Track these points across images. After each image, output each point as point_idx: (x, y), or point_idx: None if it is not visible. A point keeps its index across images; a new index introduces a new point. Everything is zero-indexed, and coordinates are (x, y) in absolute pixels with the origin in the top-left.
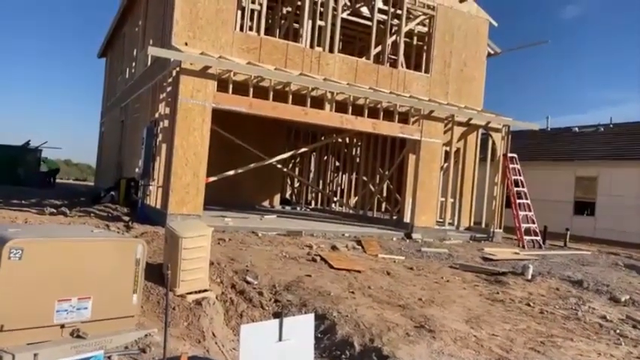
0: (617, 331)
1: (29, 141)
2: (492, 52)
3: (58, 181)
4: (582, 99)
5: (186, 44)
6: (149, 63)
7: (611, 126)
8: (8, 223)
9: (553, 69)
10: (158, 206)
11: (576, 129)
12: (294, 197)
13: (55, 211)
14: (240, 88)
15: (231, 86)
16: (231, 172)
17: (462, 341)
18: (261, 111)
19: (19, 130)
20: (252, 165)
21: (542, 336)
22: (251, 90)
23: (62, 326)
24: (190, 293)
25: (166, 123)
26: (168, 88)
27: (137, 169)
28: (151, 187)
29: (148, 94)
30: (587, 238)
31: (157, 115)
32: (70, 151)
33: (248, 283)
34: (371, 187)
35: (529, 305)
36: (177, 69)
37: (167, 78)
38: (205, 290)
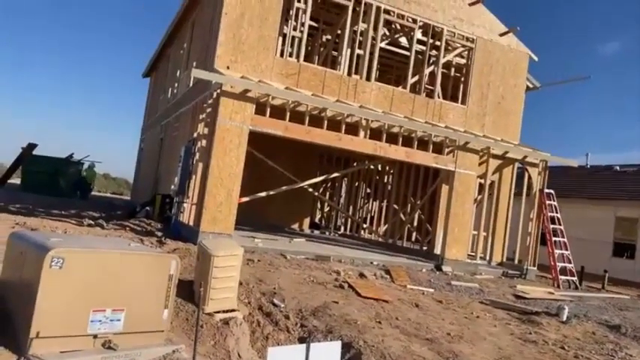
0: None
1: (72, 154)
2: (532, 86)
3: (96, 194)
4: (623, 137)
5: (228, 68)
6: (191, 84)
7: None
8: (49, 232)
9: (593, 106)
10: (191, 223)
11: (617, 167)
12: (323, 222)
13: (92, 222)
14: (277, 112)
15: (268, 110)
16: (263, 194)
17: None
18: (296, 135)
19: (66, 144)
20: (284, 187)
21: None
22: (287, 114)
23: (95, 336)
24: (218, 312)
25: (204, 143)
26: (208, 109)
27: (173, 186)
28: (185, 204)
29: (188, 114)
30: (627, 281)
31: (195, 135)
32: (109, 166)
33: (275, 305)
34: (401, 215)
35: (563, 348)
36: (218, 91)
37: (207, 99)
38: (233, 310)
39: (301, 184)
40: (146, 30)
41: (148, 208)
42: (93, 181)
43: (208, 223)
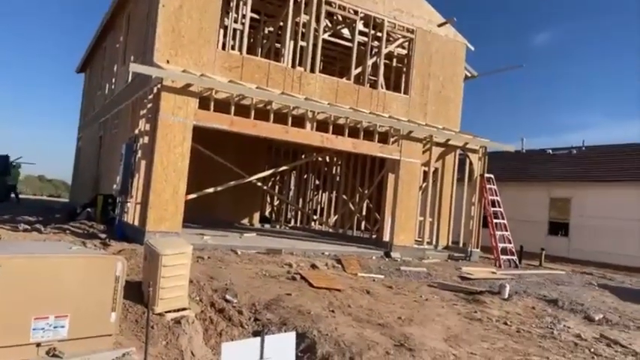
0: (592, 349)
1: (6, 155)
2: (469, 74)
3: (30, 197)
4: (555, 122)
5: (168, 62)
6: (130, 79)
7: (584, 148)
8: None
9: (527, 93)
10: (136, 223)
11: (550, 151)
12: (273, 215)
13: (29, 227)
14: (222, 106)
15: (212, 104)
16: (211, 190)
17: (442, 359)
18: (243, 129)
19: None
20: (232, 183)
21: (519, 354)
22: (232, 108)
23: (38, 345)
24: (169, 312)
25: (146, 139)
26: (149, 105)
27: (115, 185)
28: (128, 203)
29: (128, 111)
30: (562, 258)
31: (136, 132)
32: (44, 167)
33: (227, 301)
34: (351, 205)
35: (506, 324)
36: (159, 86)
37: (148, 95)
38: (184, 309)
39: (249, 179)
40: (79, 21)
41: (89, 209)
42: (16, 182)
43: (154, 222)
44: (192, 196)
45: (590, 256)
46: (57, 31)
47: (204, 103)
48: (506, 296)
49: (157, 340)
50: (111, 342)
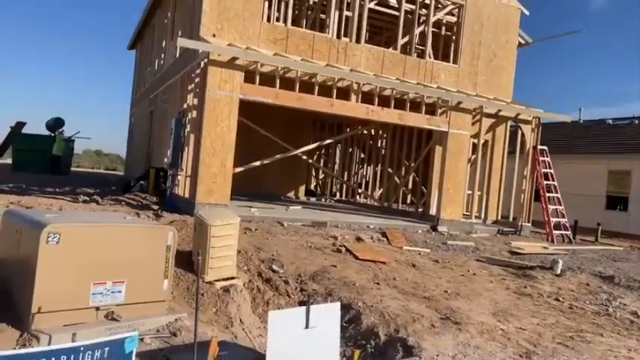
0: None
1: (62, 130)
2: (523, 42)
3: (91, 170)
4: (615, 91)
5: (214, 35)
6: (177, 54)
7: None
8: (44, 209)
9: (585, 60)
10: (186, 195)
11: (610, 121)
12: (319, 188)
13: (87, 199)
14: (267, 79)
15: (258, 77)
16: (257, 163)
17: (489, 334)
18: (288, 102)
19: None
20: (277, 156)
21: (571, 331)
22: (277, 81)
23: (97, 309)
24: (218, 280)
25: (194, 114)
26: (197, 79)
27: (166, 159)
28: (179, 176)
29: (177, 85)
30: (620, 233)
31: (185, 106)
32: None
33: (274, 271)
34: (396, 179)
35: (558, 300)
36: (205, 60)
37: (195, 69)
38: (233, 278)
39: (295, 152)
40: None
41: (142, 182)
42: (61, 154)
43: (204, 194)
44: (240, 169)
45: None
46: (112, 9)
47: (249, 76)
48: (559, 272)
49: (207, 307)
50: (164, 307)
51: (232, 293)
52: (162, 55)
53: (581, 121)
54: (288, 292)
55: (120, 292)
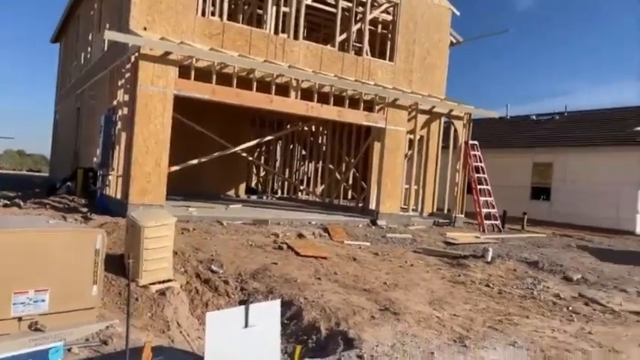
0: (570, 308)
1: None
2: (455, 41)
3: (12, 172)
4: (540, 89)
5: (145, 29)
6: (106, 48)
7: (566, 114)
8: None
9: (513, 60)
10: (118, 196)
11: (534, 117)
12: (259, 186)
13: (8, 202)
14: (203, 75)
15: (193, 73)
16: (195, 161)
17: (425, 322)
18: (225, 98)
19: None
20: (216, 154)
21: (500, 315)
22: (214, 77)
23: (20, 319)
24: (154, 284)
25: (125, 110)
26: (127, 75)
27: (95, 159)
28: (110, 176)
29: (105, 81)
30: (544, 221)
31: (115, 103)
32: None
33: (213, 272)
34: (337, 175)
35: (488, 286)
36: (136, 54)
37: (125, 64)
38: (169, 280)
39: (234, 149)
40: None
41: (69, 183)
42: None
43: (137, 195)
44: (176, 168)
45: (570, 219)
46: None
47: (184, 72)
48: (489, 260)
49: (142, 312)
50: (94, 315)
51: (169, 296)
52: (89, 49)
53: (509, 117)
54: (228, 292)
55: (43, 300)
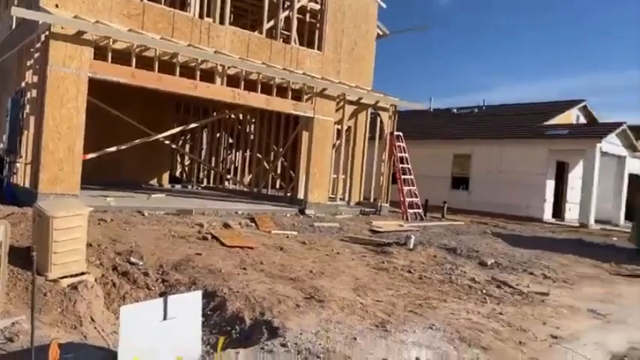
0: (484, 291)
1: None
2: (381, 33)
3: None
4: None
5: (57, 6)
6: (14, 25)
7: (484, 108)
8: None
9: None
10: (27, 185)
11: (455, 110)
12: (184, 175)
13: None
14: (122, 58)
15: (110, 54)
16: (113, 149)
17: (349, 308)
18: (146, 82)
19: None
20: (137, 141)
21: (420, 299)
22: (134, 59)
23: None
24: (65, 277)
25: (34, 93)
26: (37, 55)
27: (1, 144)
28: (18, 164)
29: (13, 61)
30: (463, 210)
31: (23, 85)
32: None
33: (132, 264)
34: (265, 164)
35: (410, 272)
36: (47, 33)
37: (35, 43)
38: (83, 273)
39: (156, 137)
40: None
41: None
42: None
43: (48, 184)
44: (92, 155)
45: (487, 208)
46: None
47: (100, 53)
48: (412, 247)
49: (52, 307)
50: None
51: (81, 290)
52: None
53: (432, 110)
54: (148, 285)
55: None
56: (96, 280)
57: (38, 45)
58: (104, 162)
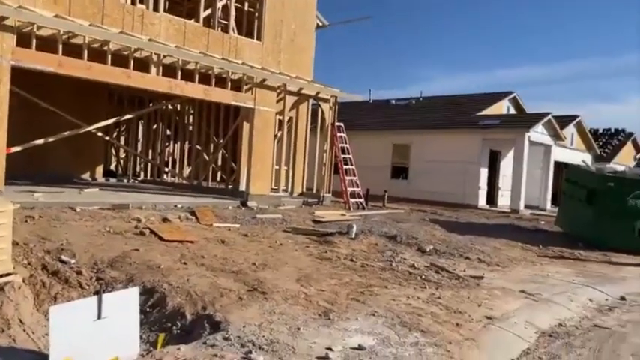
0: (423, 276)
1: None
2: (320, 24)
3: None
4: (401, 74)
5: None
6: None
7: (421, 99)
8: None
9: (379, 45)
10: None
11: (393, 101)
12: (120, 169)
13: None
14: (48, 45)
15: (34, 42)
16: (41, 141)
17: (293, 299)
18: (74, 72)
19: None
20: (66, 133)
21: (362, 287)
22: (60, 47)
23: None
24: None
25: None
26: None
27: None
28: None
29: None
30: (403, 198)
31: None
32: None
33: (63, 262)
34: (205, 156)
35: (352, 260)
36: None
37: None
38: (9, 274)
39: (87, 129)
40: None
41: None
42: None
43: None
44: (17, 148)
45: (425, 196)
46: None
47: (24, 40)
48: (354, 236)
49: None
50: None
51: (8, 291)
52: None
53: (371, 101)
54: (82, 283)
55: None
56: (24, 280)
57: None
58: (32, 155)
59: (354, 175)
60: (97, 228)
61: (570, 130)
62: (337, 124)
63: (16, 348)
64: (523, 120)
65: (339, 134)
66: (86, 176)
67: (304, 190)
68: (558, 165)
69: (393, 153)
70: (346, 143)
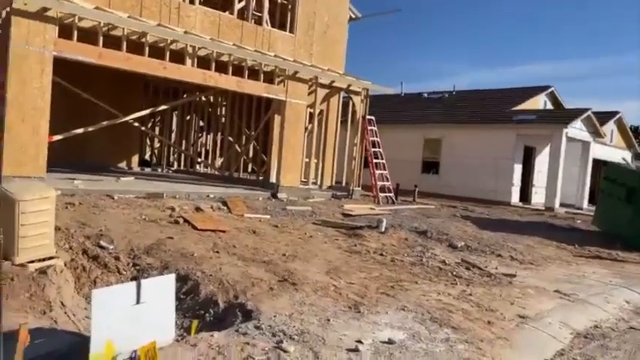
0: (454, 273)
1: None
2: (354, 16)
3: None
4: (432, 68)
5: None
6: None
7: (454, 93)
8: None
9: (410, 38)
10: None
11: (425, 95)
12: (154, 158)
13: None
14: (89, 37)
15: (76, 33)
16: (80, 131)
17: (323, 291)
18: (113, 63)
19: None
20: (104, 123)
21: (392, 281)
22: (101, 39)
23: None
24: (33, 262)
25: None
26: None
27: None
28: None
29: None
30: (433, 193)
31: None
32: None
33: (102, 248)
34: (237, 147)
35: (382, 255)
36: (8, 9)
37: None
38: (51, 258)
39: (124, 119)
40: None
41: None
42: None
43: (12, 166)
44: (58, 137)
45: (456, 192)
46: None
47: (65, 31)
48: (383, 230)
49: (19, 293)
50: None
51: (50, 275)
52: None
53: (403, 94)
54: (119, 269)
55: None
56: (65, 264)
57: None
58: (72, 144)
59: (384, 169)
60: (133, 215)
61: (610, 127)
62: (368, 117)
63: (57, 329)
64: (561, 115)
65: (369, 127)
66: (122, 165)
67: (333, 183)
68: (597, 162)
69: (424, 147)
70: (377, 137)
